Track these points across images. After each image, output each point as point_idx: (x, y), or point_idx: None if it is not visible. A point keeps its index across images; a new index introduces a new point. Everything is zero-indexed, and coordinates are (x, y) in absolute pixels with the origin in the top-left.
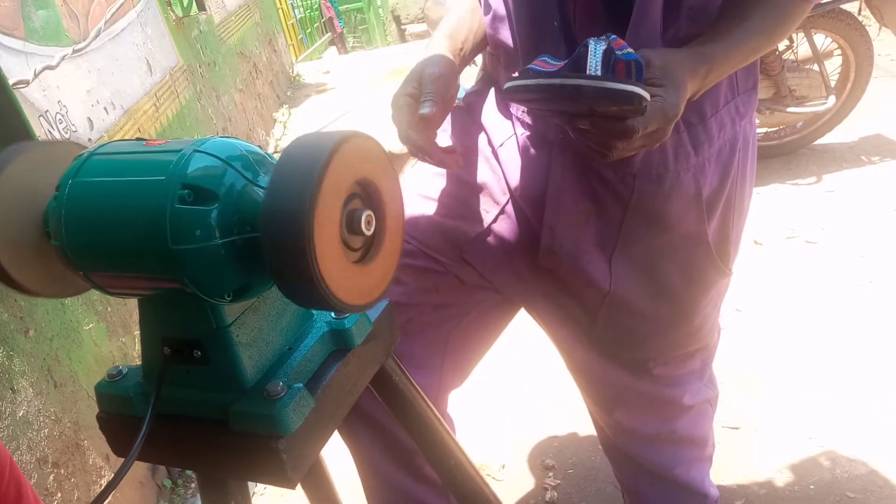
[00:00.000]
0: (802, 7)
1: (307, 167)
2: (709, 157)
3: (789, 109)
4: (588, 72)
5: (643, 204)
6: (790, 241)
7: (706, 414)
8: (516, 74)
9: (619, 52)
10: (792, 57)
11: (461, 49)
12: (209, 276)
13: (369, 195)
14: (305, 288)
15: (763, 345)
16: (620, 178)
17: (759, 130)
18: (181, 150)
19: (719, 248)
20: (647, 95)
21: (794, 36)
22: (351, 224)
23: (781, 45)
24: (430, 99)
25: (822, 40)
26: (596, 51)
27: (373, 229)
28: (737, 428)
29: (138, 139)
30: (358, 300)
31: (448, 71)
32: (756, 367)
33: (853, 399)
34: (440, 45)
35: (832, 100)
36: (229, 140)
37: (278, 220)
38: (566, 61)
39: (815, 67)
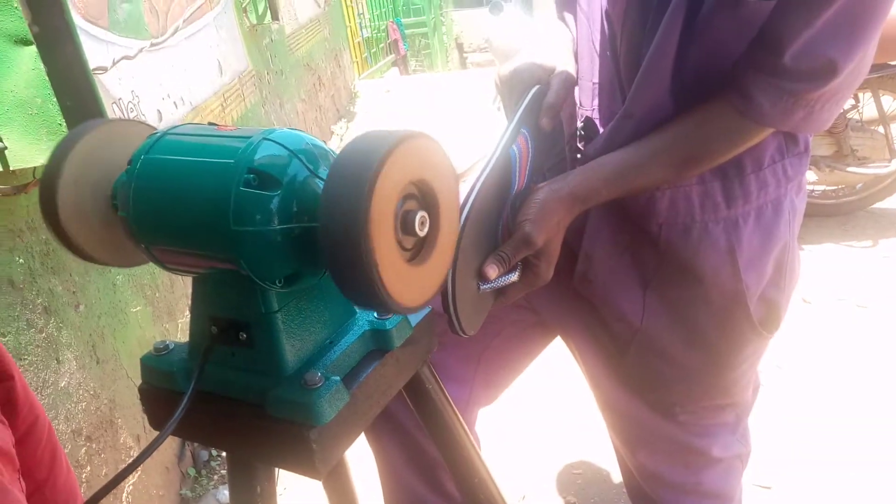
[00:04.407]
0: (747, 128)
1: (364, 162)
2: (744, 213)
3: (849, 169)
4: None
5: (672, 252)
6: (840, 303)
7: (735, 470)
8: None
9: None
10: (857, 116)
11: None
12: (264, 259)
13: (425, 197)
14: (358, 278)
15: (802, 405)
16: (649, 225)
17: (816, 188)
18: (250, 137)
19: (768, 313)
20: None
21: (860, 95)
22: (405, 224)
23: (847, 104)
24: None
25: (889, 102)
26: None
27: (426, 231)
28: (769, 487)
29: (211, 123)
30: (406, 300)
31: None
32: (793, 427)
33: (894, 470)
34: (566, 50)
35: (895, 163)
36: (296, 132)
37: (333, 210)
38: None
39: (881, 129)
